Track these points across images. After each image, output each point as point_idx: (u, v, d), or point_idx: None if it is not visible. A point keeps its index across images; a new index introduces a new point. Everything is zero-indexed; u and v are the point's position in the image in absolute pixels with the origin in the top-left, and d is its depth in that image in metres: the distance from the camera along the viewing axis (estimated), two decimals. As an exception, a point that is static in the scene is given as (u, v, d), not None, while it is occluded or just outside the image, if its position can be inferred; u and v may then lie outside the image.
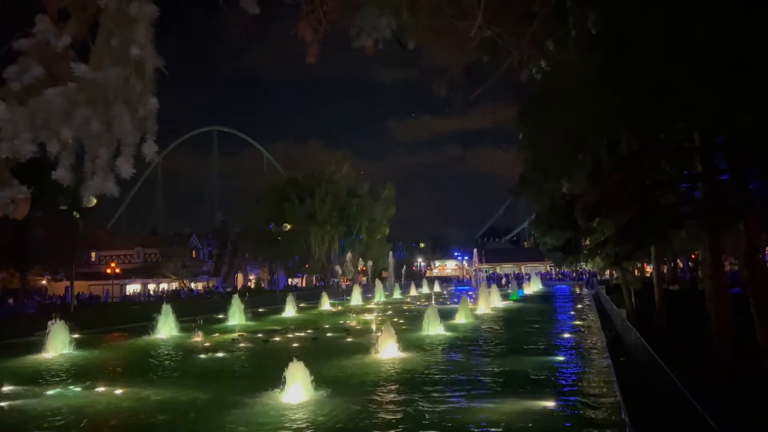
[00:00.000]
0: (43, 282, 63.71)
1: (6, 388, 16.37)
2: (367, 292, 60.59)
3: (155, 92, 3.35)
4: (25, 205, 3.41)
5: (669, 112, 9.90)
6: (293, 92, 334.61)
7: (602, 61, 8.42)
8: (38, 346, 25.12)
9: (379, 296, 59.58)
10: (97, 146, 3.13)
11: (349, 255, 76.19)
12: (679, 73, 9.17)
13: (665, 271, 44.57)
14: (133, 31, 3.15)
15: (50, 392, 15.94)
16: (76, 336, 30.09)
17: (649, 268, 46.23)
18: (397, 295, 67.12)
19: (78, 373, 19.10)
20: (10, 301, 51.33)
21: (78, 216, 44.16)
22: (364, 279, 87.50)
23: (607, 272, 53.33)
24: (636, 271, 40.63)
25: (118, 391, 15.80)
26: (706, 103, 9.35)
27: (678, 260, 51.09)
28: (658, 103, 9.41)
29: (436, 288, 73.73)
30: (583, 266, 61.64)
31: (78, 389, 16.36)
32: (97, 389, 16.22)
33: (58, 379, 17.95)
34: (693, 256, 45.67)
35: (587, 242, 23.47)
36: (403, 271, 75.95)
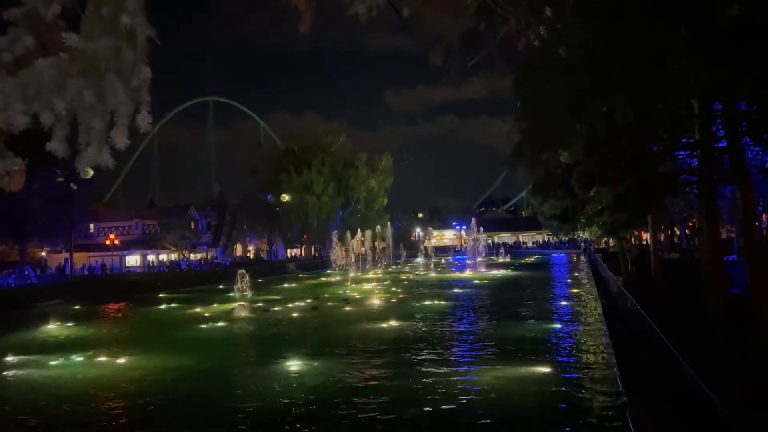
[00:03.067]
0: (43, 254, 63.92)
1: (10, 358, 16.58)
2: (365, 262, 60.94)
3: (148, 62, 3.32)
4: (21, 177, 3.41)
5: (667, 80, 9.83)
6: (288, 62, 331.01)
7: (600, 27, 8.32)
8: (40, 318, 25.39)
9: (378, 266, 59.97)
10: (90, 117, 3.12)
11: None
12: (678, 39, 9.07)
13: (662, 239, 44.75)
14: (124, 0, 3.12)
15: (54, 362, 16.15)
16: (77, 307, 30.40)
17: (646, 236, 46.45)
18: (395, 264, 67.55)
19: (80, 343, 19.32)
20: (10, 272, 51.60)
21: (75, 188, 44.09)
22: (363, 249, 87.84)
23: (605, 240, 53.58)
24: (633, 239, 40.82)
25: (120, 361, 16.02)
26: (703, 70, 9.28)
27: (675, 228, 51.27)
28: (656, 70, 9.34)
29: (434, 257, 74.13)
30: (581, 235, 61.91)
31: (81, 359, 16.57)
32: (99, 359, 16.43)
33: (60, 349, 18.15)
34: (690, 224, 45.81)
35: (588, 210, 23.54)
36: (400, 244, 76.17)
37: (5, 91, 2.95)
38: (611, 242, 55.86)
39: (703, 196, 15.50)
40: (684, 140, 17.09)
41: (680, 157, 19.03)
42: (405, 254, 74.47)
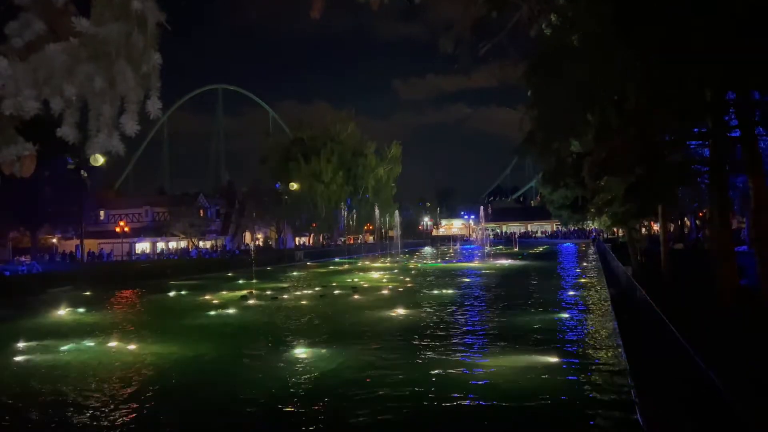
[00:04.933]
0: (54, 240, 64.51)
1: (22, 344, 16.76)
2: (374, 250, 61.05)
3: (158, 48, 3.31)
4: (31, 162, 3.42)
5: (679, 68, 9.71)
6: (297, 51, 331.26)
7: (612, 15, 8.22)
8: (51, 304, 25.63)
9: (386, 255, 60.07)
10: (100, 103, 3.11)
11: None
12: (690, 28, 8.94)
13: (672, 229, 44.46)
14: (134, -15, 3.10)
15: (65, 348, 16.31)
16: (87, 293, 30.67)
17: (656, 227, 46.18)
18: (403, 253, 67.63)
19: (90, 329, 19.49)
20: (23, 258, 52.11)
21: (85, 175, 44.37)
22: (371, 238, 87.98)
23: (615, 230, 53.30)
24: (643, 229, 40.62)
25: (131, 347, 16.15)
26: (716, 59, 9.15)
27: (685, 219, 50.90)
28: (668, 58, 9.23)
29: (443, 246, 74.14)
30: (590, 225, 61.68)
31: (91, 344, 16.74)
32: (109, 344, 16.59)
33: (71, 335, 18.32)
34: (700, 215, 45.49)
35: (599, 199, 23.46)
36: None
37: (16, 76, 2.95)
38: (620, 232, 55.62)
39: (715, 187, 15.38)
40: (696, 129, 16.93)
41: (692, 146, 18.87)
42: (413, 243, 74.46)
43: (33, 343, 16.88)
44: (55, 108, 3.05)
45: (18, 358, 15.25)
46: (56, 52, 3.01)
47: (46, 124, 4.13)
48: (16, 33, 3.29)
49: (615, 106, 10.99)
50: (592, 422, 9.41)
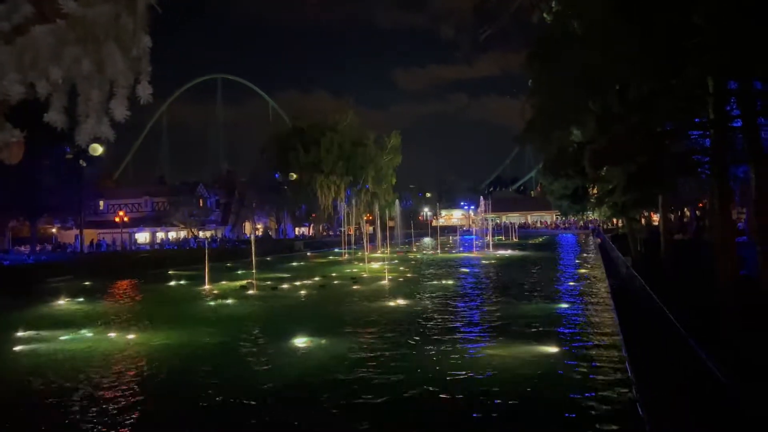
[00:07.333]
0: (53, 230, 64.48)
1: (21, 333, 16.73)
2: (373, 241, 60.96)
3: (148, 31, 3.23)
4: (19, 149, 3.34)
5: (683, 56, 9.59)
6: (297, 40, 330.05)
7: (615, 1, 8.09)
8: (51, 294, 25.63)
9: (385, 245, 59.98)
10: (89, 87, 3.04)
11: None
12: (695, 14, 8.82)
13: (672, 220, 44.38)
14: (123, -34, 3.01)
15: (64, 337, 16.29)
16: (87, 283, 30.66)
17: (656, 217, 46.12)
18: (403, 244, 67.61)
19: (89, 319, 19.47)
20: (22, 248, 52.10)
21: (84, 164, 44.24)
22: (371, 228, 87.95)
23: (615, 221, 53.22)
24: (643, 220, 40.52)
25: (130, 336, 16.13)
26: (721, 47, 9.03)
27: (685, 209, 50.79)
28: (672, 45, 9.11)
29: (442, 237, 74.05)
30: (590, 215, 61.62)
31: (90, 335, 16.71)
32: (108, 334, 16.56)
33: (71, 324, 18.29)
34: (700, 205, 45.37)
35: (599, 189, 23.31)
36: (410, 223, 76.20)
37: (1, 60, 2.87)
38: (619, 223, 55.57)
39: (716, 177, 15.28)
40: (697, 119, 16.80)
41: (693, 136, 18.75)
42: (413, 233, 74.42)
43: (32, 333, 16.85)
44: (41, 92, 2.97)
45: (17, 348, 15.22)
46: (42, 35, 2.93)
47: (35, 110, 4.06)
48: (3, 17, 3.20)
49: (617, 93, 10.88)
50: (592, 411, 9.37)
